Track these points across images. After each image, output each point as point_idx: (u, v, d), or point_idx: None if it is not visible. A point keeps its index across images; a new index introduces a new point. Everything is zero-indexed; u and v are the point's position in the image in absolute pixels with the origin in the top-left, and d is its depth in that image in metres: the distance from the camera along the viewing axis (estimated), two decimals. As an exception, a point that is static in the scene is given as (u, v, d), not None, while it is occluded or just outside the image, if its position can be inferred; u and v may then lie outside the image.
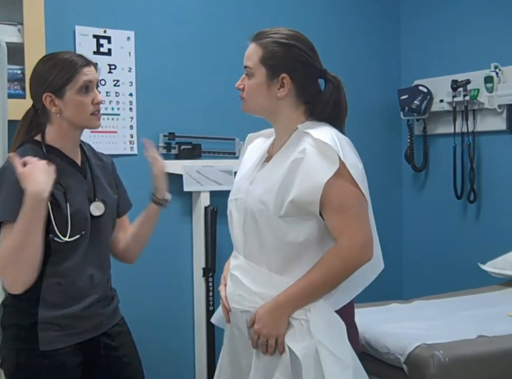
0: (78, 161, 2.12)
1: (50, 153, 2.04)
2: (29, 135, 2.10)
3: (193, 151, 3.60)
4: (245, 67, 2.01)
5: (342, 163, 1.86)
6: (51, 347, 1.99)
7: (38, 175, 1.89)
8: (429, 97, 4.02)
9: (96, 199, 2.10)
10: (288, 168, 1.90)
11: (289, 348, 1.89)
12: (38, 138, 2.07)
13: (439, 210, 4.15)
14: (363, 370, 1.96)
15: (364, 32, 4.23)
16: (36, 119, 2.09)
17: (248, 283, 1.97)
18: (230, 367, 2.09)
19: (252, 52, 2.00)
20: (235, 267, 2.04)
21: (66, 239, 1.99)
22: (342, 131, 2.01)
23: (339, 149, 1.87)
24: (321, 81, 2.05)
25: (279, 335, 1.90)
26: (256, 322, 1.92)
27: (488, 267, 3.51)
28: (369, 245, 1.91)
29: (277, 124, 2.04)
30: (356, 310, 2.84)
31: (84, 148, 2.17)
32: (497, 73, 3.70)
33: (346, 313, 2.00)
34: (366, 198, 1.92)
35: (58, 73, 2.00)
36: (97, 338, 2.11)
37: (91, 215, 2.07)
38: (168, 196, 2.33)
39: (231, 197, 2.12)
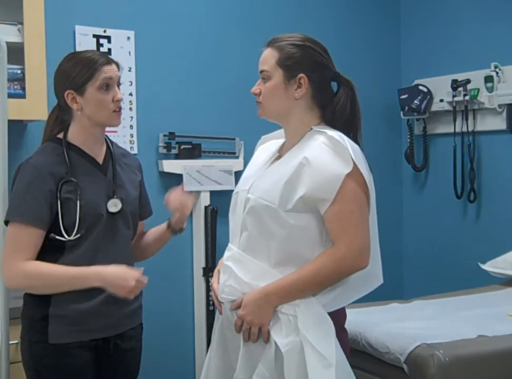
0: (100, 159, 2.16)
1: (70, 150, 2.10)
2: (54, 132, 2.16)
3: (193, 151, 3.60)
4: (261, 71, 2.02)
5: (355, 165, 1.88)
6: (60, 341, 2.02)
7: (135, 291, 2.02)
8: (429, 96, 4.02)
9: (115, 196, 2.12)
10: (299, 163, 1.91)
11: (275, 342, 1.89)
12: (60, 135, 2.13)
13: (439, 210, 4.15)
14: (351, 373, 1.95)
15: (364, 32, 4.23)
16: (61, 116, 2.15)
17: (241, 273, 1.98)
18: (219, 359, 2.08)
19: (268, 56, 2.01)
20: (229, 257, 2.05)
21: (70, 237, 2.03)
22: (356, 141, 2.00)
23: (350, 147, 1.89)
24: (333, 85, 2.07)
25: (263, 324, 1.91)
26: (241, 308, 1.94)
27: (488, 267, 3.50)
28: (365, 253, 1.91)
29: (290, 126, 2.04)
30: (356, 310, 2.84)
31: (110, 146, 2.22)
32: (497, 73, 3.70)
33: (337, 316, 1.99)
34: (370, 207, 1.93)
35: (80, 71, 2.05)
36: (111, 339, 2.12)
37: (108, 211, 2.10)
38: (184, 225, 2.38)
39: (236, 190, 2.15)
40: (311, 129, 2.00)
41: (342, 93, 2.04)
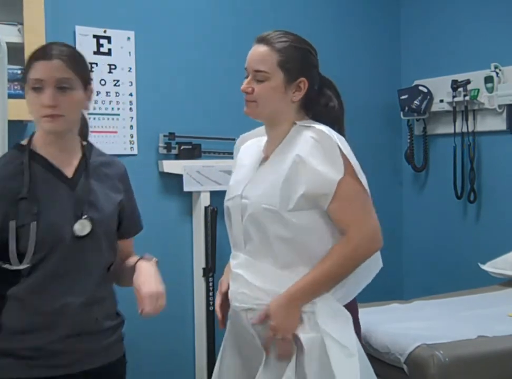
0: (69, 171, 1.83)
1: (34, 160, 1.80)
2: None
3: (193, 151, 3.60)
4: (258, 71, 1.97)
5: (345, 158, 1.89)
6: (6, 376, 1.75)
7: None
8: (429, 97, 4.02)
9: (84, 217, 1.78)
10: (292, 162, 1.90)
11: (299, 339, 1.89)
12: (26, 142, 1.85)
13: (439, 210, 4.15)
14: (368, 361, 1.98)
15: (364, 33, 4.23)
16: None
17: (252, 279, 1.97)
18: (234, 369, 2.08)
19: (265, 56, 1.97)
20: (237, 265, 2.03)
21: (20, 266, 1.73)
22: (342, 133, 2.01)
23: (339, 142, 1.90)
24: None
25: (295, 328, 1.90)
26: (272, 318, 1.90)
27: (488, 267, 3.50)
28: (378, 233, 1.93)
29: (277, 127, 2.03)
30: (356, 310, 2.84)
31: (87, 154, 1.88)
32: (497, 73, 3.70)
33: (352, 310, 2.01)
34: (368, 192, 1.95)
35: (25, 66, 1.83)
36: (75, 376, 1.80)
37: (74, 234, 1.77)
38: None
39: (228, 196, 2.12)
40: (295, 123, 2.00)
41: (329, 93, 2.04)
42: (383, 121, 4.31)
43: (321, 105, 2.03)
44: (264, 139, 2.11)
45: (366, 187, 1.94)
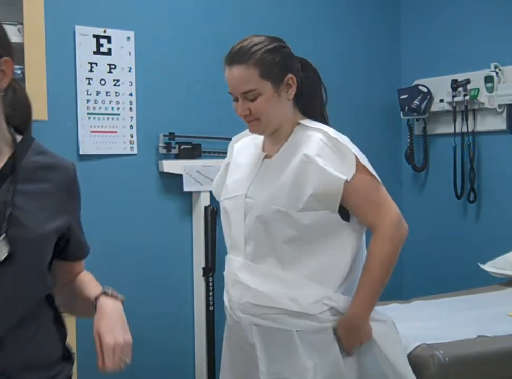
0: None
1: None
2: None
3: (193, 151, 3.59)
4: (245, 92, 1.92)
5: (353, 155, 1.91)
6: None
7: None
8: (428, 96, 4.02)
9: (2, 236, 1.34)
10: (300, 161, 1.90)
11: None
12: None
13: (439, 210, 4.15)
14: None
15: (364, 33, 4.23)
16: None
17: (255, 285, 1.94)
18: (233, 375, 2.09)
19: (246, 75, 1.91)
20: (236, 270, 2.00)
21: None
22: (326, 121, 2.05)
23: (347, 142, 1.92)
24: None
25: (369, 336, 1.98)
26: (347, 347, 1.97)
27: (488, 267, 3.50)
28: (402, 218, 2.01)
29: (281, 129, 2.01)
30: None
31: (18, 152, 1.44)
32: (497, 73, 3.70)
33: None
34: (381, 182, 1.98)
35: None
36: None
37: None
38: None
39: (226, 195, 2.08)
40: (299, 123, 1.99)
41: (307, 74, 2.03)
42: (383, 121, 4.31)
43: (305, 90, 2.02)
44: (260, 137, 2.10)
45: (378, 178, 1.97)
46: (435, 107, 4.04)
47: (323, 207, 1.89)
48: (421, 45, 4.24)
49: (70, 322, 1.79)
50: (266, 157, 2.05)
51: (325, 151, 1.89)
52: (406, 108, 4.08)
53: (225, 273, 2.10)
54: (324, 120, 2.04)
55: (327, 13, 4.09)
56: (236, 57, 1.93)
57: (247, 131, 2.15)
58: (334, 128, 2.01)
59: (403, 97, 4.10)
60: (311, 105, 2.02)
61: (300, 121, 1.99)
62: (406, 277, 4.37)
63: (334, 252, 1.94)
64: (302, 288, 1.93)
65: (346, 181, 1.87)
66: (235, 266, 2.01)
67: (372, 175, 1.94)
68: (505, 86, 3.68)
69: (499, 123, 3.77)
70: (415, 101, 4.02)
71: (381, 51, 4.30)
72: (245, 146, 2.15)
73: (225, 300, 2.08)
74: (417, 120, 4.19)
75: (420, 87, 4.05)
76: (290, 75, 1.95)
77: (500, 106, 3.71)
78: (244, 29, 3.77)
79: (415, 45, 4.28)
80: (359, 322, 1.93)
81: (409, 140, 4.22)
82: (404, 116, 4.18)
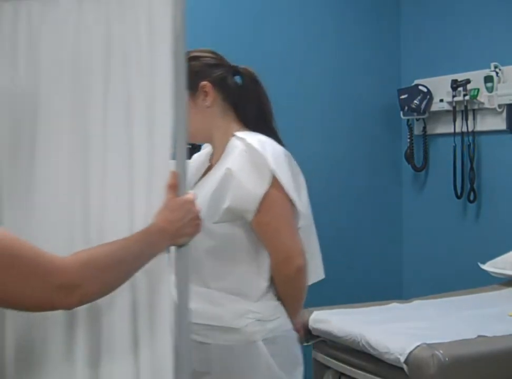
0: None
1: None
2: None
3: (193, 151, 3.58)
4: None
5: (272, 173, 1.87)
6: None
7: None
8: (428, 96, 4.02)
9: None
10: (223, 175, 1.89)
11: None
12: None
13: (439, 210, 4.15)
14: None
15: (364, 32, 4.23)
16: None
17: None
18: None
19: None
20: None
21: None
22: (274, 131, 2.00)
23: (270, 156, 1.87)
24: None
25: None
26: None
27: (488, 267, 3.50)
28: (296, 255, 1.91)
29: (215, 138, 2.01)
30: (356, 310, 2.85)
31: None
32: (497, 73, 3.70)
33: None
34: (298, 208, 1.92)
35: None
36: None
37: None
38: None
39: None
40: (234, 135, 1.96)
41: (246, 82, 2.01)
42: (383, 121, 4.31)
43: (242, 99, 1.99)
44: (211, 149, 2.10)
45: (296, 202, 1.91)
46: (435, 106, 4.04)
47: (236, 219, 1.89)
48: (421, 45, 4.24)
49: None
50: (208, 168, 2.06)
51: (246, 164, 1.88)
52: (406, 108, 4.08)
53: None
54: (272, 133, 2.00)
55: (327, 13, 4.09)
56: None
57: (203, 150, 2.17)
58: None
59: (403, 96, 4.10)
60: (250, 115, 2.00)
61: (235, 132, 1.98)
62: (406, 277, 4.37)
63: (252, 262, 1.93)
64: (225, 303, 1.92)
65: (260, 196, 1.86)
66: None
67: (285, 196, 1.89)
68: (505, 85, 3.68)
69: (499, 123, 3.77)
70: (415, 101, 4.02)
71: (381, 51, 4.30)
72: (197, 159, 2.16)
73: None
74: (417, 120, 4.19)
75: (420, 87, 4.05)
76: (203, 82, 1.95)
77: (500, 105, 3.71)
78: (244, 29, 3.78)
79: (415, 45, 4.28)
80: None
81: (408, 140, 4.22)
82: (404, 115, 4.18)
